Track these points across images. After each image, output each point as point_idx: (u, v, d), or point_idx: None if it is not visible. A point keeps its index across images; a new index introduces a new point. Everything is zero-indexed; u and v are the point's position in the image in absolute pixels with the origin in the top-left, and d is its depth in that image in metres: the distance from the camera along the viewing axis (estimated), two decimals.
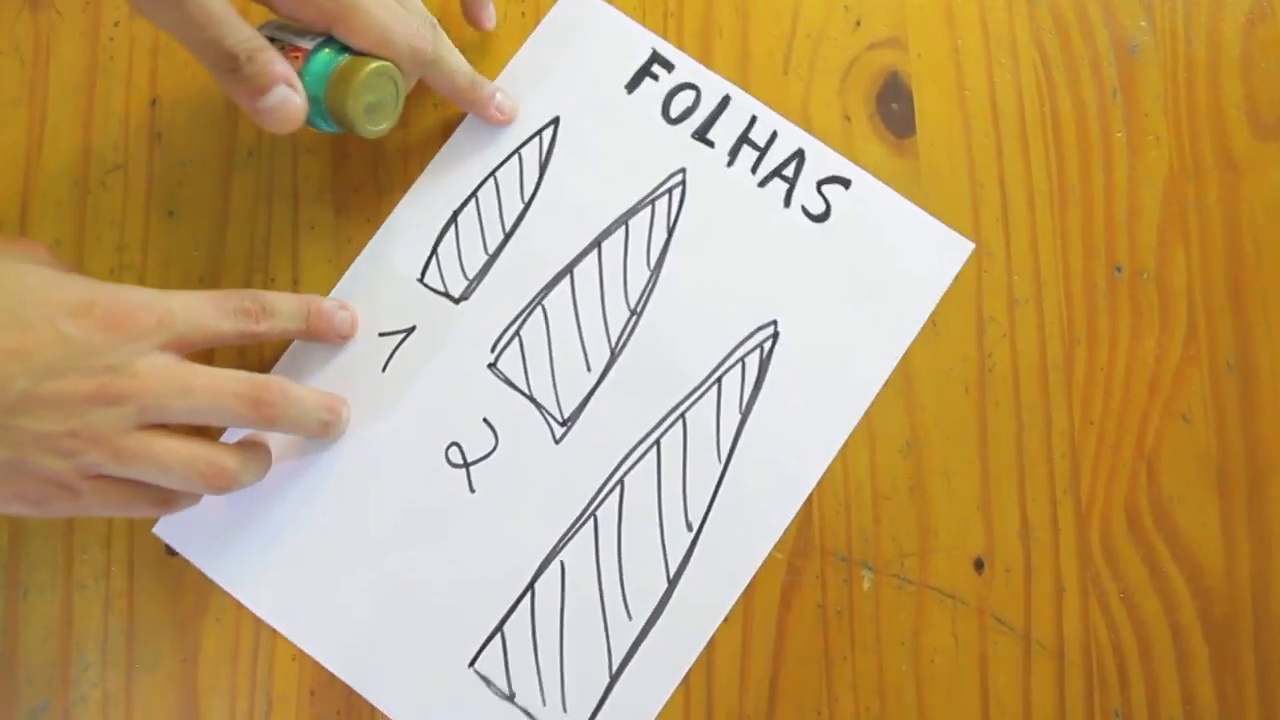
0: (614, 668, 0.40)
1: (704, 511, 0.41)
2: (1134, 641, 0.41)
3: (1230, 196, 0.44)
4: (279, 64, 0.36)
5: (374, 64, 0.37)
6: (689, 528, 0.41)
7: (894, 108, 0.44)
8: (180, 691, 0.40)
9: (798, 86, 0.44)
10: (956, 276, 0.43)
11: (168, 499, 0.37)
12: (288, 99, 0.36)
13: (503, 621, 0.40)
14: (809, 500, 0.41)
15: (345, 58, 0.37)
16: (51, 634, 0.40)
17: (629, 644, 0.40)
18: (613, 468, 0.41)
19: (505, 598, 0.40)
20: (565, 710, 0.39)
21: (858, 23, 0.45)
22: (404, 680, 0.40)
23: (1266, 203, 0.44)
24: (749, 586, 0.41)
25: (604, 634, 0.40)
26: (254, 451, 0.38)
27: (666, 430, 0.41)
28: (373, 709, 0.40)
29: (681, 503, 0.41)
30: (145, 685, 0.40)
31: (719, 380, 0.41)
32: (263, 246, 0.43)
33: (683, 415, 0.41)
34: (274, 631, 0.40)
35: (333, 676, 0.40)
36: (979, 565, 0.41)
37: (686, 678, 0.40)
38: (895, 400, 0.42)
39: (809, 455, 0.41)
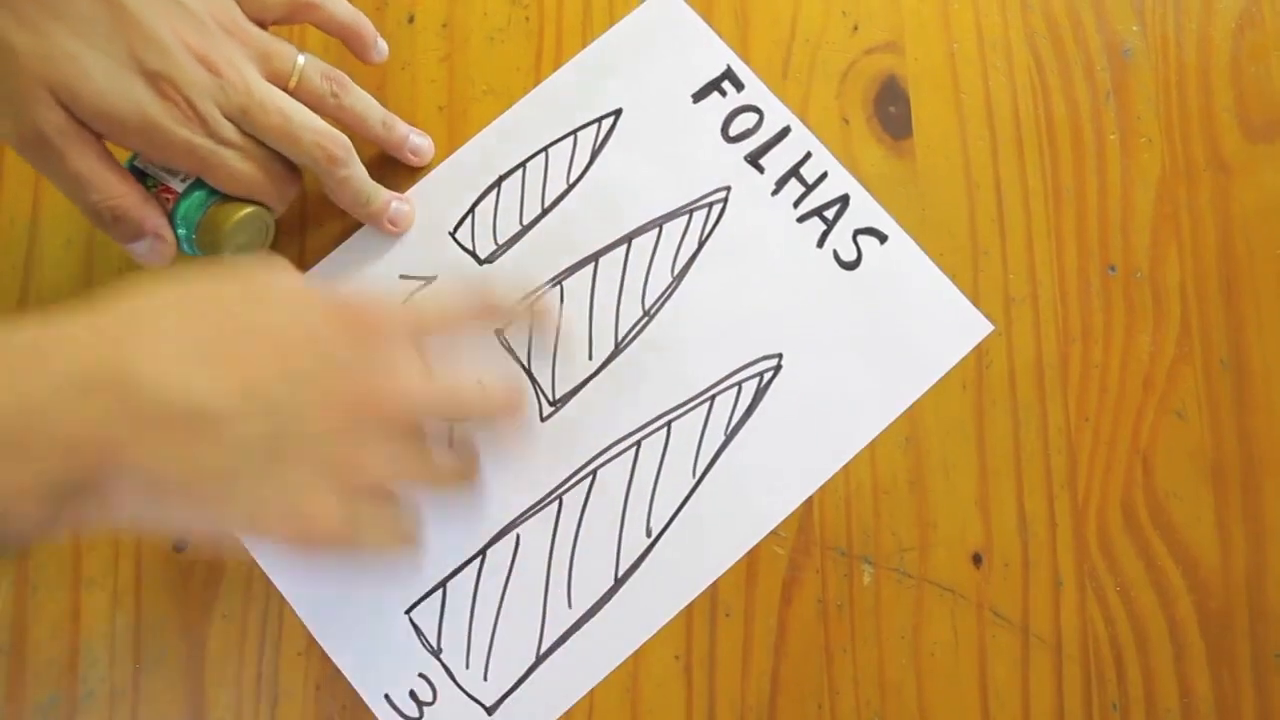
0: (541, 651, 0.40)
1: (665, 522, 0.41)
2: (1131, 635, 0.41)
3: (1221, 197, 0.44)
4: (148, 217, 0.37)
5: (243, 211, 0.38)
6: (648, 534, 0.41)
7: (891, 111, 0.45)
8: (187, 686, 0.40)
9: (797, 90, 0.45)
10: (953, 277, 0.43)
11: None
12: (154, 247, 0.38)
13: (448, 578, 0.41)
14: (809, 495, 0.42)
15: (215, 200, 0.38)
16: (60, 629, 0.41)
17: (561, 632, 0.40)
18: (589, 457, 0.42)
19: (456, 556, 0.41)
20: (485, 679, 0.40)
21: (855, 27, 0.46)
22: (341, 613, 0.40)
23: (1257, 203, 0.44)
24: (749, 579, 0.41)
25: (540, 615, 0.40)
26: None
27: (650, 434, 0.42)
28: None
29: (647, 508, 0.41)
30: (152, 680, 0.40)
31: (712, 398, 0.42)
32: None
33: (669, 424, 0.42)
34: (280, 627, 0.41)
35: (338, 671, 0.40)
36: (977, 560, 0.41)
37: (689, 670, 0.40)
38: None
39: (777, 494, 0.41)
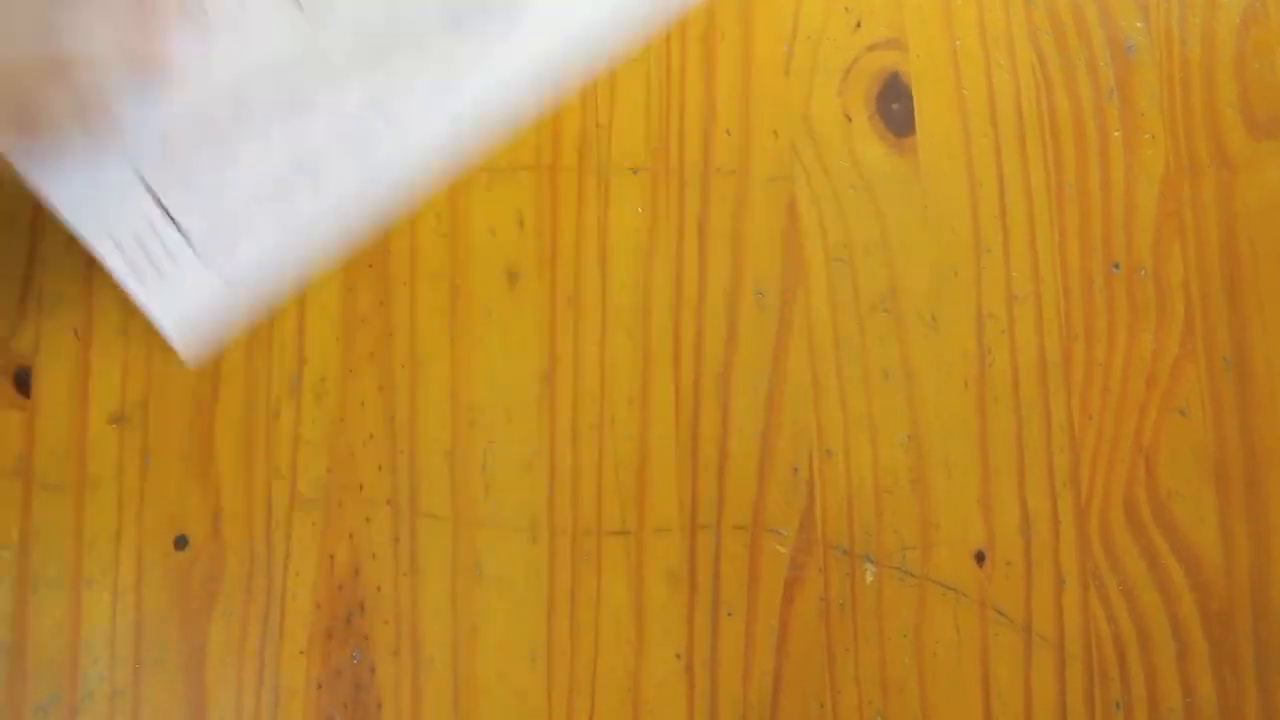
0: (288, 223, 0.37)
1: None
2: (1134, 634, 0.41)
3: (1226, 194, 0.44)
4: None
5: None
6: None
7: (894, 108, 0.45)
8: (188, 686, 0.40)
9: (799, 88, 0.45)
10: (955, 273, 0.43)
11: None
12: None
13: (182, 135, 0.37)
14: (811, 494, 0.42)
15: None
16: (60, 629, 0.40)
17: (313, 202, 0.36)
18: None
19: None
20: (221, 246, 0.37)
21: (858, 24, 0.45)
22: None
23: (1261, 200, 0.44)
24: (751, 578, 0.41)
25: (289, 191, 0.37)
26: None
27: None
28: (379, 703, 0.40)
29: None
30: (153, 680, 0.40)
31: None
32: None
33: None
34: (280, 626, 0.40)
35: (339, 671, 0.40)
36: (980, 558, 0.41)
37: (690, 670, 0.40)
38: (896, 395, 0.42)
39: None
